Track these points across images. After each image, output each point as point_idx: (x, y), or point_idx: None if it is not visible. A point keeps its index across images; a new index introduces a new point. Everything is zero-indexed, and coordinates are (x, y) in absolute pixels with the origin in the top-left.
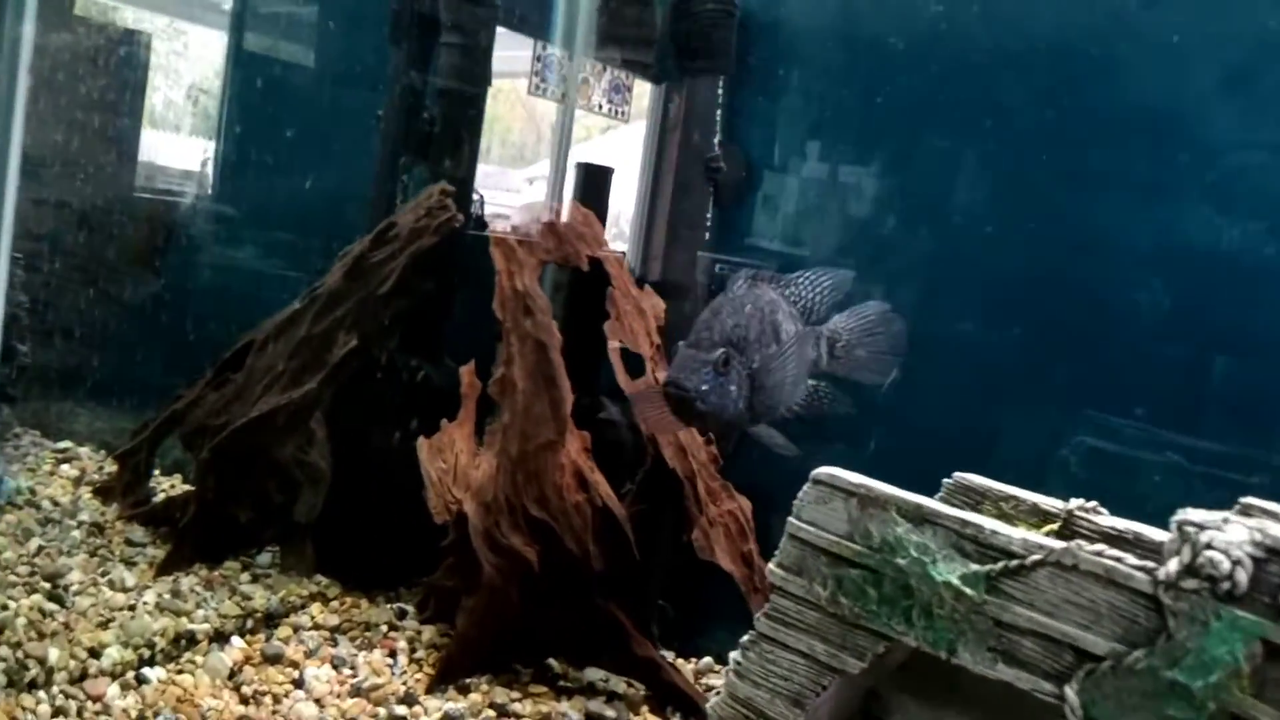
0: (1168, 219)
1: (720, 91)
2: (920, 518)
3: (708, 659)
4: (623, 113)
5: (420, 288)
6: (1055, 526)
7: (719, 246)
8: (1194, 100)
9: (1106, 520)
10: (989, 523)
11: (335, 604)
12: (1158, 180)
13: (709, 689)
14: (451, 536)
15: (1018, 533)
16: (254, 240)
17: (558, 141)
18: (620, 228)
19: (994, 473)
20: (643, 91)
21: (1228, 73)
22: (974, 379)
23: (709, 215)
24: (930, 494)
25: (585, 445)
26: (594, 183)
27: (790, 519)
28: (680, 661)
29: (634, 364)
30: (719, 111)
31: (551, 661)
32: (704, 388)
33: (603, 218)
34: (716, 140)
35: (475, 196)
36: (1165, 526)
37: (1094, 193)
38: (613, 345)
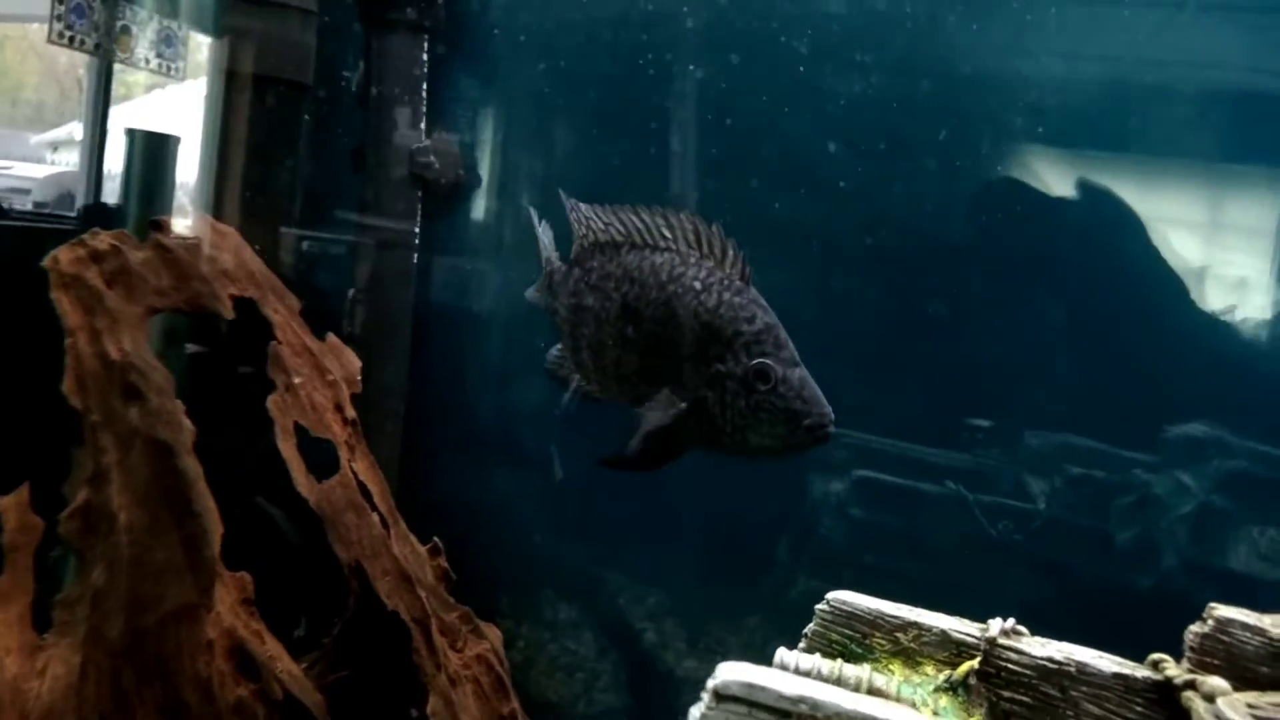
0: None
1: (425, 57)
2: None
3: None
4: (175, 68)
5: None
6: (975, 664)
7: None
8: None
9: (1038, 649)
10: None
11: None
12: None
13: None
14: None
15: None
16: None
17: (94, 101)
18: (180, 201)
19: None
20: (200, 44)
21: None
22: None
23: (416, 230)
24: None
25: (246, 595)
26: (153, 155)
27: None
28: None
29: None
30: (424, 84)
31: None
32: None
33: (168, 196)
34: (422, 126)
35: None
36: None
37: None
38: (283, 427)
